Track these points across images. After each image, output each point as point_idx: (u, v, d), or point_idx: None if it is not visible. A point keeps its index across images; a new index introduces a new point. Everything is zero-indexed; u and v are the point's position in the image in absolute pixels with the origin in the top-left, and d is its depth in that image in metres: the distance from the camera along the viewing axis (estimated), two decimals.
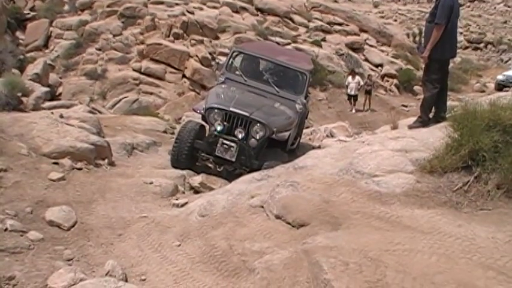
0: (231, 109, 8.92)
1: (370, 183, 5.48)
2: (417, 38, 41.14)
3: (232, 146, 8.74)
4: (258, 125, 8.82)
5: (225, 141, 8.78)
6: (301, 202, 5.28)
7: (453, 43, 7.24)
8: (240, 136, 8.80)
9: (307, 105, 11.51)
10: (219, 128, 8.84)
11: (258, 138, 8.86)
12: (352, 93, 23.68)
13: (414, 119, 7.80)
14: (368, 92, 24.53)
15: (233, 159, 8.76)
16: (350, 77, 23.79)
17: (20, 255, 5.00)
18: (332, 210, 5.00)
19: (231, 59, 10.67)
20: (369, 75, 25.97)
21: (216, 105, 9.07)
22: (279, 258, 4.46)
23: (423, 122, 7.25)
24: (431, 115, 7.36)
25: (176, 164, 9.16)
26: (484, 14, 52.82)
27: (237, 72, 10.50)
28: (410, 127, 7.32)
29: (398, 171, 5.61)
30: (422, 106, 7.43)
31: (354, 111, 23.84)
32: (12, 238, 5.22)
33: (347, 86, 23.87)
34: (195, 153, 9.17)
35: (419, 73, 30.17)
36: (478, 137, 5.12)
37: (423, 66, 7.64)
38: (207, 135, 9.27)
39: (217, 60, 10.20)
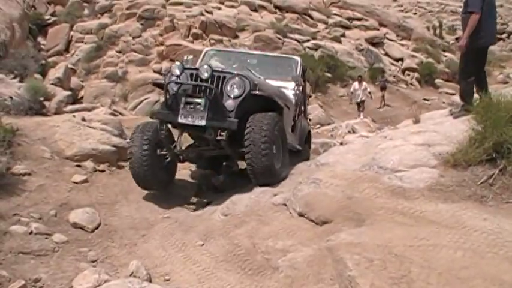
0: (197, 67, 6.95)
1: (393, 179, 5.43)
2: (438, 31, 40.71)
3: (199, 103, 6.44)
4: (236, 79, 6.57)
5: (189, 99, 6.49)
6: (324, 199, 5.25)
7: (491, 30, 7.15)
8: (205, 75, 6.41)
9: (304, 101, 9.77)
10: (177, 72, 6.57)
11: (234, 96, 6.54)
12: (359, 100, 21.56)
13: (437, 112, 7.71)
14: (383, 88, 24.22)
15: (203, 123, 6.39)
16: (356, 84, 21.88)
17: (45, 257, 5.06)
18: (355, 207, 4.96)
19: (204, 60, 8.64)
20: (382, 71, 25.68)
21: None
22: (302, 256, 4.45)
23: (468, 109, 7.15)
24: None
25: (143, 181, 7.06)
26: (506, 3, 52.12)
27: None
28: (455, 116, 7.18)
29: (422, 166, 5.56)
30: (462, 96, 7.31)
31: (361, 116, 20.92)
32: (37, 241, 5.28)
33: (352, 93, 21.98)
34: (161, 158, 7.11)
35: (441, 66, 30.02)
36: (502, 129, 5.06)
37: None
38: (165, 99, 6.77)
39: (185, 58, 8.41)
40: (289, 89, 8.12)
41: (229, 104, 6.50)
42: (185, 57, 7.83)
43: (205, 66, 6.49)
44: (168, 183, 7.40)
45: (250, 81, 6.58)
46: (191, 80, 6.58)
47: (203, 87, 6.46)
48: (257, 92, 6.61)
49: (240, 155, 6.84)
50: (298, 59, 8.93)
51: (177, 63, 6.73)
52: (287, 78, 8.23)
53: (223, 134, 6.43)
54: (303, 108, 9.44)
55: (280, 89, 7.75)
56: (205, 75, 6.42)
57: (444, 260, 3.73)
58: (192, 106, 6.46)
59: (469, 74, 7.08)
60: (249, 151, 6.26)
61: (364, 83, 21.94)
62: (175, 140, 7.14)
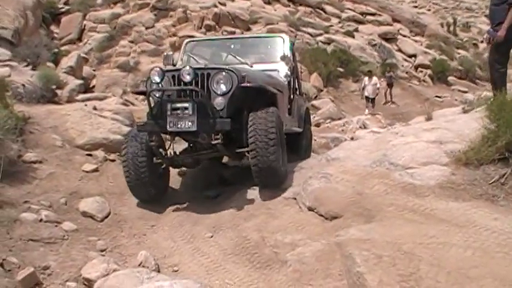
0: (179, 67, 6.42)
1: (404, 175, 5.41)
2: (451, 28, 40.49)
3: (186, 107, 5.93)
4: (221, 74, 6.04)
5: (175, 104, 5.98)
6: (334, 194, 5.24)
7: None
8: (188, 78, 5.87)
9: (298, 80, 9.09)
10: (156, 79, 6.01)
11: (222, 92, 6.02)
12: (370, 96, 20.97)
13: (450, 109, 7.69)
14: (389, 84, 23.93)
15: (193, 128, 5.92)
16: (366, 79, 21.38)
17: (55, 245, 5.08)
18: (365, 203, 4.95)
19: (185, 53, 8.23)
20: (389, 67, 25.40)
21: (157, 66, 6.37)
22: (311, 251, 4.44)
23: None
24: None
25: (142, 192, 6.60)
26: None
27: (195, 63, 7.69)
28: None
29: (433, 163, 5.53)
30: (495, 88, 7.31)
31: (367, 111, 20.69)
32: (47, 228, 5.30)
33: (363, 88, 21.35)
34: (157, 166, 6.61)
35: (454, 64, 29.84)
36: None
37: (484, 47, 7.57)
38: (149, 109, 6.32)
39: (165, 53, 7.58)
40: (280, 71, 7.59)
41: (219, 102, 6.01)
42: (165, 54, 7.50)
43: (187, 68, 5.93)
44: (165, 190, 6.95)
45: (237, 74, 6.07)
46: (174, 82, 6.11)
47: (188, 91, 6.03)
48: (246, 84, 6.10)
49: (238, 156, 6.53)
50: (284, 36, 8.30)
51: (156, 68, 6.10)
52: (276, 59, 7.73)
53: (218, 136, 5.94)
54: (297, 86, 8.98)
55: (270, 72, 7.26)
56: (188, 78, 5.89)
57: (454, 258, 3.71)
58: (179, 112, 5.96)
59: (502, 64, 7.15)
60: (254, 149, 5.84)
61: (374, 78, 21.43)
62: (167, 145, 6.70)
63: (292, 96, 8.18)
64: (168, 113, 5.97)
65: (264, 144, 5.80)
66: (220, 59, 8.06)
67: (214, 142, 5.97)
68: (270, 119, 5.94)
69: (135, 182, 6.43)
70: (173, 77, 6.10)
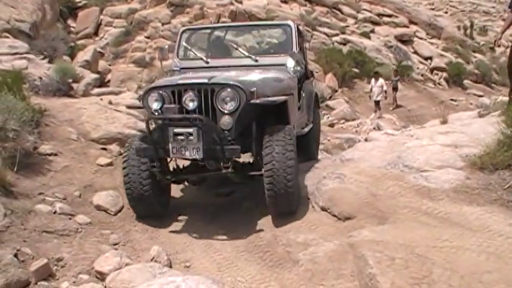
0: (179, 82, 5.62)
1: (419, 178, 5.40)
2: (468, 31, 40.22)
3: (191, 133, 5.24)
4: (228, 90, 5.34)
5: (178, 130, 5.29)
6: (347, 195, 5.25)
7: None
8: (191, 106, 5.34)
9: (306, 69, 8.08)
10: (155, 106, 5.50)
11: (229, 110, 5.36)
12: (377, 98, 20.42)
13: (465, 113, 7.66)
14: (395, 88, 23.42)
15: (200, 155, 5.34)
16: (373, 80, 20.76)
17: (68, 237, 5.11)
18: (379, 204, 4.95)
19: (182, 43, 7.42)
20: (395, 70, 25.11)
21: (154, 85, 5.83)
22: (323, 251, 4.44)
23: None
24: None
25: (145, 209, 5.96)
26: None
27: (194, 56, 7.21)
28: None
29: (448, 167, 5.52)
30: None
31: (377, 116, 20.01)
32: (61, 221, 5.34)
33: (370, 90, 20.88)
34: (163, 181, 5.98)
35: (470, 67, 29.64)
36: None
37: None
38: (150, 130, 5.64)
39: (161, 47, 6.84)
40: (288, 65, 6.74)
41: (225, 121, 5.39)
42: (160, 47, 7.19)
43: (190, 94, 5.34)
44: (167, 205, 6.29)
45: (244, 91, 5.36)
46: (174, 100, 5.45)
47: (191, 119, 5.35)
48: (256, 101, 5.46)
49: (251, 178, 5.97)
50: (291, 24, 7.26)
51: (153, 94, 5.54)
52: (282, 51, 6.98)
53: (227, 165, 5.39)
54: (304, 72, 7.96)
55: (278, 71, 6.54)
56: (191, 106, 5.35)
57: (467, 263, 3.70)
58: (182, 137, 5.29)
59: None
60: (271, 175, 5.27)
61: (380, 80, 20.70)
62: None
63: (301, 87, 7.46)
64: (171, 139, 5.35)
65: (282, 170, 5.27)
66: (222, 52, 7.50)
67: (224, 171, 5.48)
68: (288, 142, 5.41)
69: (137, 199, 5.85)
70: (173, 93, 5.51)
